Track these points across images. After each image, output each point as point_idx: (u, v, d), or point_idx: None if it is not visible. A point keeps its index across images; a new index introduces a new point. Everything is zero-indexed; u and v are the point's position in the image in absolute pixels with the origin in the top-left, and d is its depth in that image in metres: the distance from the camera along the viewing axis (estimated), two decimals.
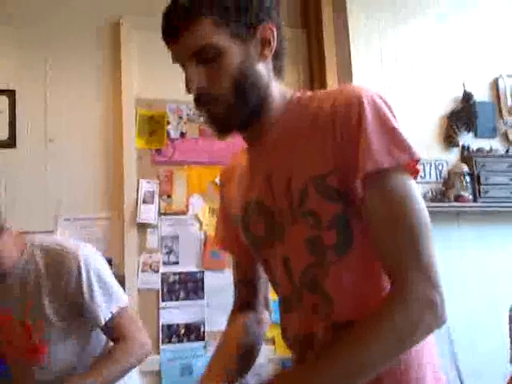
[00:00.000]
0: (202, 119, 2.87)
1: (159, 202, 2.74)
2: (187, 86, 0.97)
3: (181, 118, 2.84)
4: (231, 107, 0.97)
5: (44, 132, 2.70)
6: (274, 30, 0.98)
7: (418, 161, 0.92)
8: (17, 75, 2.70)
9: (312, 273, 0.97)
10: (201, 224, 2.79)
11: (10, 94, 2.67)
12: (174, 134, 2.82)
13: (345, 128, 0.91)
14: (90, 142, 2.73)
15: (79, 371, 1.48)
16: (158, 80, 2.84)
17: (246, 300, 1.24)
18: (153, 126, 2.79)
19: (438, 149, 3.01)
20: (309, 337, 1.00)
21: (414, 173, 0.93)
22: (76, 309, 1.45)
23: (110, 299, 1.48)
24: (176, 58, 0.99)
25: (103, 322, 1.47)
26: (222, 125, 0.99)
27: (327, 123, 0.93)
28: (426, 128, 2.99)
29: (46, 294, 1.44)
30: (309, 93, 1.05)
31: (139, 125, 2.77)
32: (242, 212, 1.10)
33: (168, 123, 2.81)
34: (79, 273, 1.43)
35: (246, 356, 1.18)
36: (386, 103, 0.93)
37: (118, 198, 2.70)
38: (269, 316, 1.26)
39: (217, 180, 2.84)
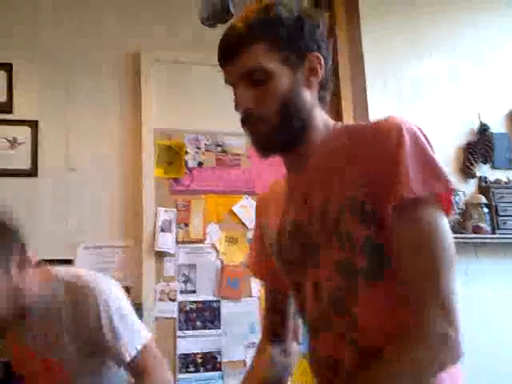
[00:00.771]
0: (219, 149, 2.91)
1: (177, 231, 2.76)
2: (236, 105, 1.02)
3: (199, 148, 2.89)
4: (275, 129, 1.00)
5: (65, 161, 2.75)
6: (322, 60, 1.03)
7: (452, 191, 0.94)
8: (39, 106, 2.77)
9: (341, 297, 0.97)
10: (218, 252, 2.80)
11: (33, 124, 2.74)
12: (191, 163, 2.86)
13: (383, 152, 0.93)
14: (109, 171, 2.78)
15: None
16: (177, 111, 2.89)
17: (274, 329, 1.23)
18: (171, 155, 2.83)
19: (455, 180, 3.01)
20: (335, 362, 0.99)
21: (448, 205, 0.94)
22: (99, 347, 1.43)
23: (133, 337, 1.45)
24: (228, 79, 1.04)
25: (128, 360, 1.44)
26: (265, 145, 1.03)
27: (367, 147, 0.96)
28: (442, 159, 2.89)
29: (68, 332, 1.43)
30: (351, 123, 1.07)
31: (158, 154, 2.82)
32: (276, 238, 1.11)
33: (186, 153, 2.86)
34: (99, 309, 1.41)
35: None
36: (423, 134, 0.96)
37: (137, 227, 2.73)
38: (297, 347, 1.24)
39: (233, 208, 2.86)
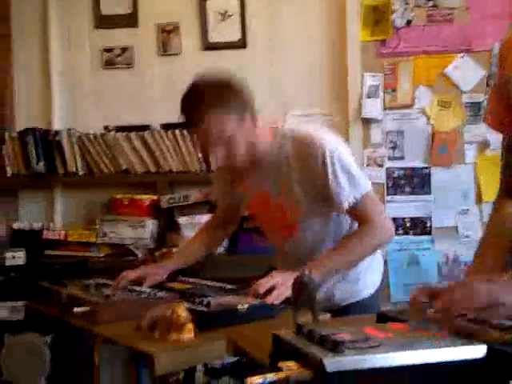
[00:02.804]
0: (430, 3, 2.66)
1: (384, 96, 2.68)
2: None
3: (407, 4, 2.66)
4: None
5: (271, 31, 2.79)
6: None
7: None
8: None
9: None
10: (428, 118, 2.67)
11: None
12: (399, 22, 2.67)
13: None
14: (313, 37, 2.76)
15: (325, 247, 1.61)
16: None
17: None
18: (377, 15, 2.67)
19: None
20: None
21: None
22: (323, 193, 1.54)
23: (353, 186, 1.52)
24: None
25: (347, 207, 1.53)
26: None
27: None
28: None
29: (296, 178, 1.55)
30: None
31: (363, 16, 2.68)
32: None
33: (393, 11, 2.66)
34: (325, 161, 1.49)
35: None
36: None
37: (343, 93, 2.72)
38: None
39: (446, 69, 2.65)
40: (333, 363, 0.71)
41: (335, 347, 0.74)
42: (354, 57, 2.69)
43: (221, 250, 2.55)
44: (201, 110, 1.45)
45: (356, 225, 1.62)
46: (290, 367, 0.73)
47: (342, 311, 1.62)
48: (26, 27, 2.93)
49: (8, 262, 2.41)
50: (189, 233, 2.54)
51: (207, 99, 1.45)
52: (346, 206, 1.53)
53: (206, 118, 1.45)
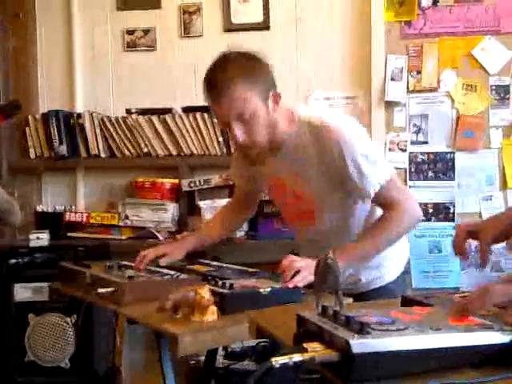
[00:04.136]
0: None
1: (408, 79, 2.63)
2: None
3: None
4: None
5: (294, 12, 2.75)
6: None
7: None
8: None
9: None
10: (453, 102, 2.62)
11: None
12: (425, 2, 2.61)
13: None
14: (337, 18, 2.71)
15: (347, 235, 1.59)
16: None
17: None
18: None
19: None
20: None
21: None
22: (344, 181, 1.51)
23: (377, 173, 1.48)
24: None
25: (372, 195, 1.49)
26: None
27: None
28: None
29: (314, 165, 1.52)
30: None
31: None
32: None
33: None
34: (343, 149, 1.45)
35: None
36: None
37: (366, 76, 2.68)
38: None
39: (473, 51, 2.59)
40: (359, 345, 0.70)
41: (361, 329, 0.73)
42: (377, 38, 2.64)
43: (241, 234, 2.55)
44: (225, 81, 1.42)
45: (380, 211, 1.58)
46: (315, 348, 0.73)
47: (364, 297, 1.61)
48: (50, 9, 2.93)
49: (32, 243, 2.44)
50: (209, 216, 2.54)
51: (232, 71, 1.42)
52: (372, 193, 1.49)
53: (231, 90, 1.41)
